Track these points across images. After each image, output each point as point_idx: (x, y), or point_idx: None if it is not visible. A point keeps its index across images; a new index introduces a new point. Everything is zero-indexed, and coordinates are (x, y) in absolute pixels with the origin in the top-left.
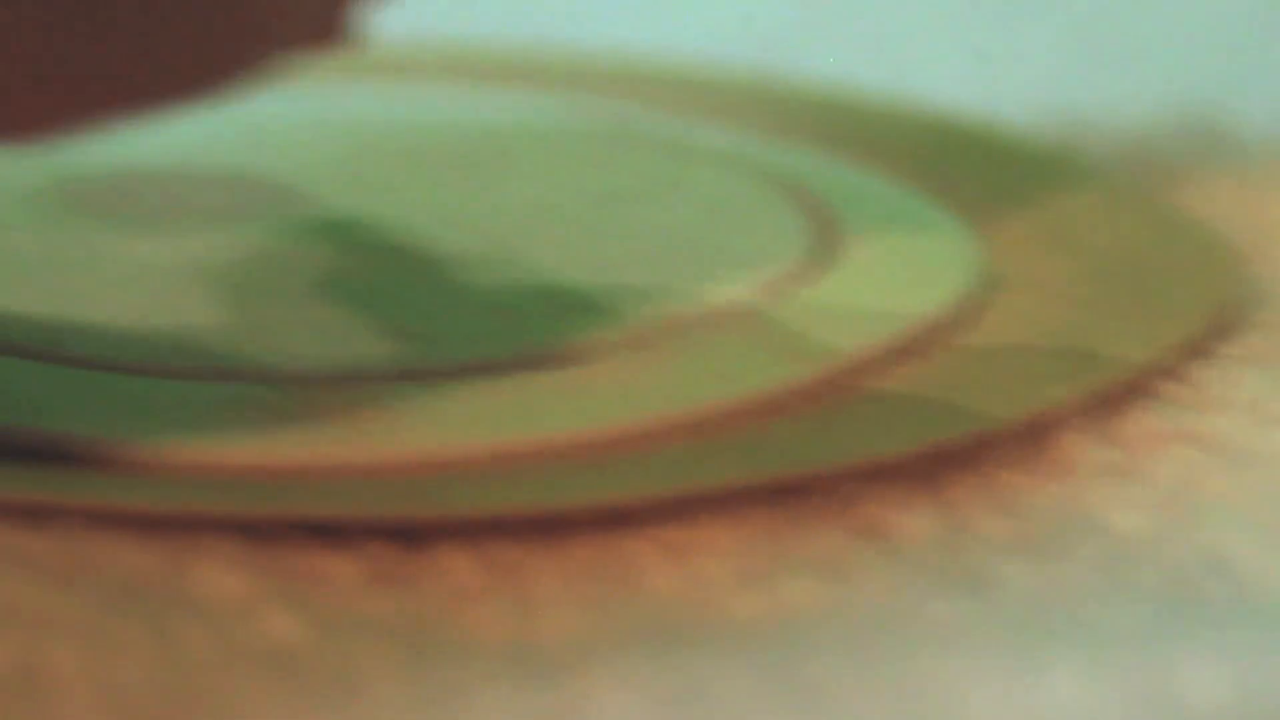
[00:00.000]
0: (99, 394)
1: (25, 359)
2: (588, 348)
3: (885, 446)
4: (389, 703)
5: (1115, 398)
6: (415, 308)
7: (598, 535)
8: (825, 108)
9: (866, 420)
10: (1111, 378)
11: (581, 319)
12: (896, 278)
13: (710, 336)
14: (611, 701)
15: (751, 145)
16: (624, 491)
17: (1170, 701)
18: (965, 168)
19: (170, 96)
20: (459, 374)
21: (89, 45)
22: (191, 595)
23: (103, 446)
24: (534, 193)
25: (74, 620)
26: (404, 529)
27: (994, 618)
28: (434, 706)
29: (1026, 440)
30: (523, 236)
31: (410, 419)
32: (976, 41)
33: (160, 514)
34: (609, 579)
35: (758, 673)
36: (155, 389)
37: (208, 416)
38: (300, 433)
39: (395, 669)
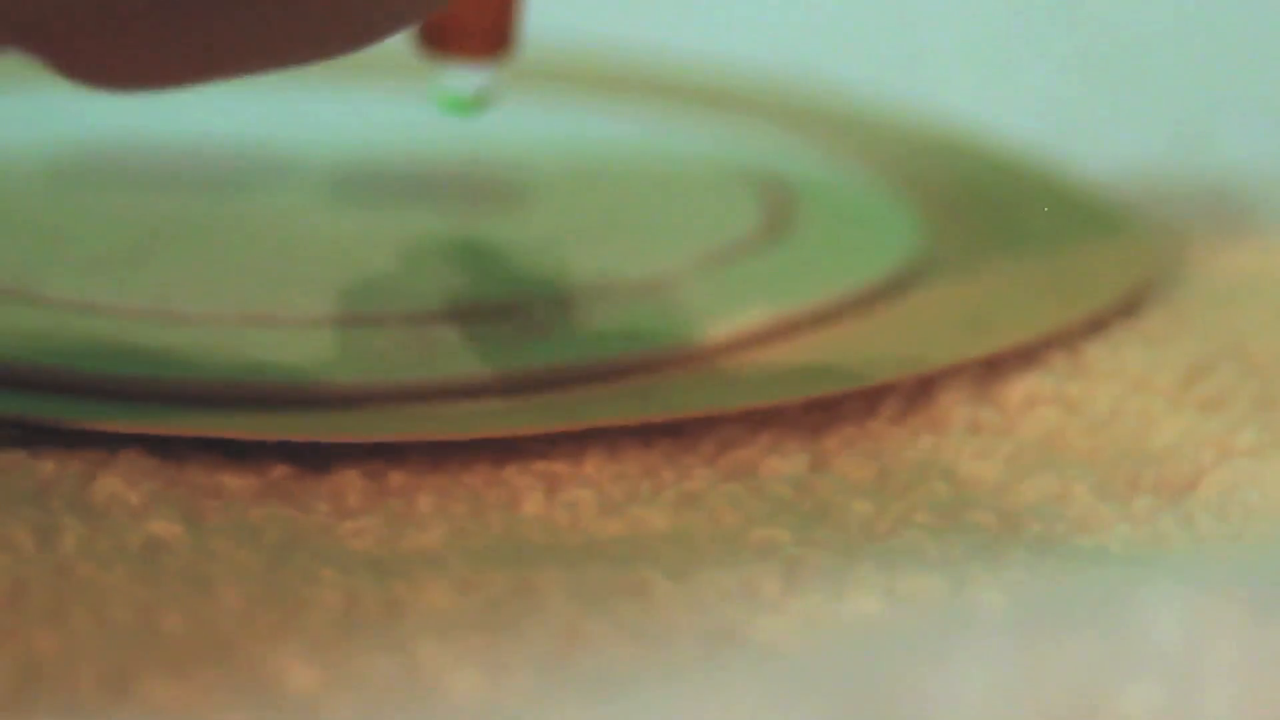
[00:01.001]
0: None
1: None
2: (515, 305)
3: (766, 396)
4: (235, 592)
5: (1004, 365)
6: (360, 261)
7: (484, 466)
8: (825, 112)
9: (758, 375)
10: (1001, 346)
11: (517, 280)
12: (830, 257)
13: (632, 298)
14: (441, 598)
15: (740, 142)
16: (510, 426)
17: (958, 616)
18: (933, 167)
19: (299, 57)
20: (385, 322)
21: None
22: (90, 502)
23: (44, 373)
24: (518, 172)
25: None
26: (305, 450)
27: (825, 543)
28: (275, 599)
29: (911, 399)
30: (495, 210)
31: (328, 361)
32: (992, 62)
33: (73, 427)
34: (486, 504)
35: (587, 578)
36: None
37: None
38: (223, 367)
39: (253, 567)
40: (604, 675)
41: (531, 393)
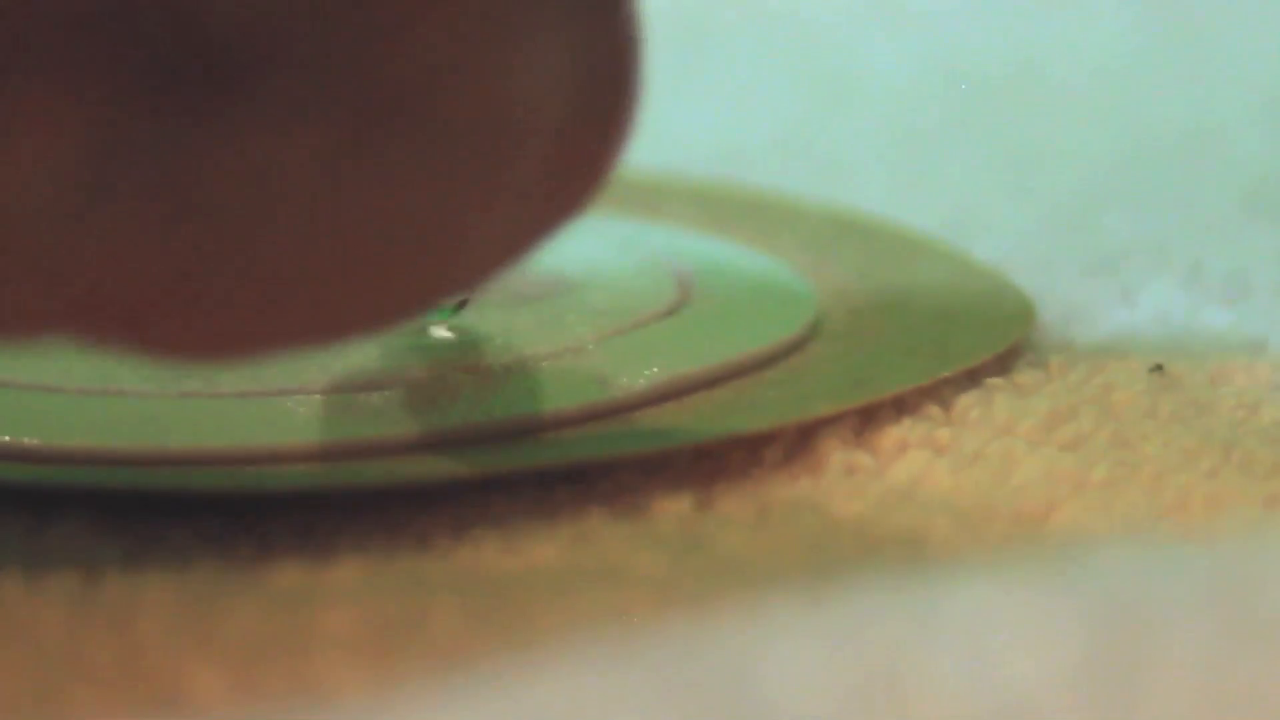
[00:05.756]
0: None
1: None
2: (429, 376)
3: (657, 444)
4: (157, 623)
5: (881, 415)
6: None
7: (399, 513)
8: (733, 202)
9: (651, 428)
10: (878, 397)
11: (433, 353)
12: (725, 328)
13: (535, 368)
14: (338, 623)
15: (652, 231)
16: (423, 475)
17: (787, 611)
18: (835, 247)
19: (358, 330)
20: (310, 393)
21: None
22: (34, 551)
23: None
24: None
25: None
26: (237, 505)
27: (697, 570)
28: (195, 628)
29: (792, 448)
30: None
31: (257, 427)
32: (900, 164)
33: (21, 485)
34: (398, 545)
35: (475, 602)
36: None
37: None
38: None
39: (178, 602)
40: (480, 678)
41: (444, 450)
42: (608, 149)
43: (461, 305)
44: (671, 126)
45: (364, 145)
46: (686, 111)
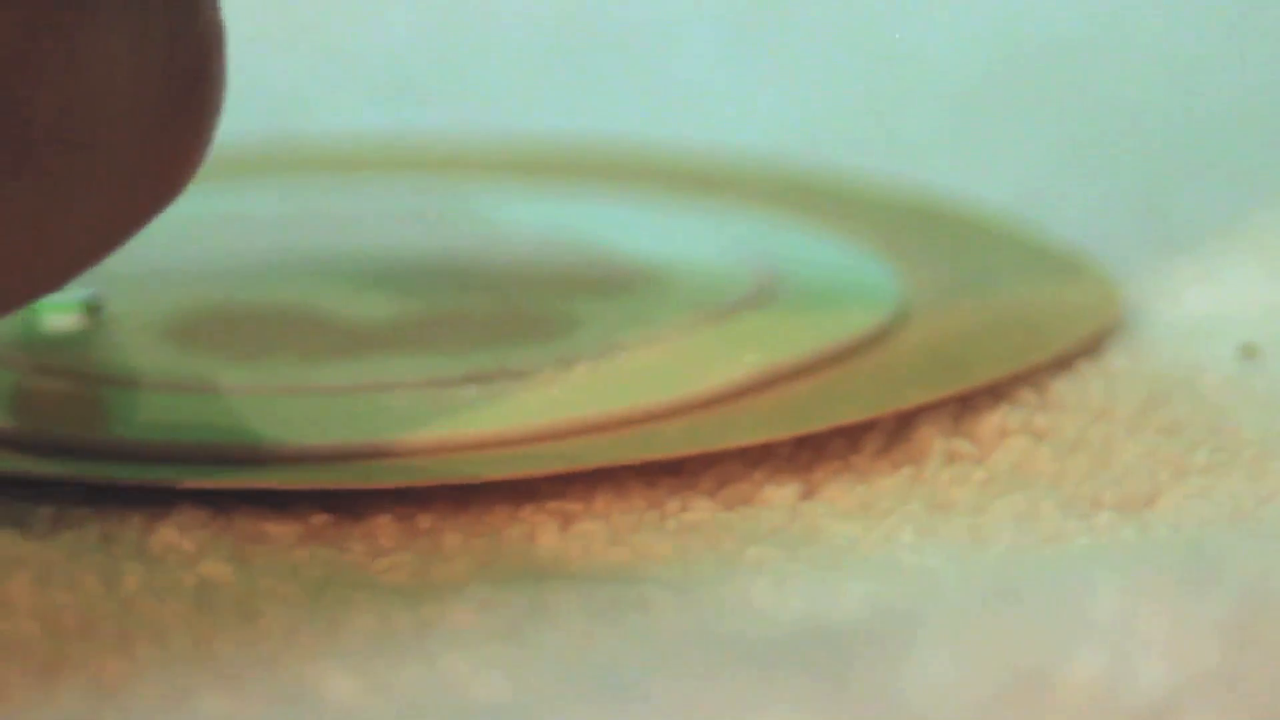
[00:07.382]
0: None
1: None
2: (526, 368)
3: (759, 435)
4: (279, 622)
5: (978, 402)
6: (382, 337)
7: (504, 507)
8: (811, 186)
9: (751, 418)
10: (975, 384)
11: (527, 344)
12: (814, 317)
13: (629, 358)
14: (464, 616)
15: (734, 218)
16: (526, 469)
17: (926, 607)
18: (911, 228)
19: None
20: (406, 386)
21: None
22: (149, 549)
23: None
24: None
25: (37, 562)
26: (341, 500)
27: (813, 559)
28: (315, 622)
29: (892, 436)
30: (509, 273)
31: (355, 422)
32: (967, 140)
33: (133, 484)
34: (505, 539)
35: (596, 595)
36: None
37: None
38: (273, 427)
39: (295, 599)
40: (613, 677)
41: (544, 442)
42: (197, 141)
43: (93, 314)
44: (738, 105)
45: None
46: (754, 90)
